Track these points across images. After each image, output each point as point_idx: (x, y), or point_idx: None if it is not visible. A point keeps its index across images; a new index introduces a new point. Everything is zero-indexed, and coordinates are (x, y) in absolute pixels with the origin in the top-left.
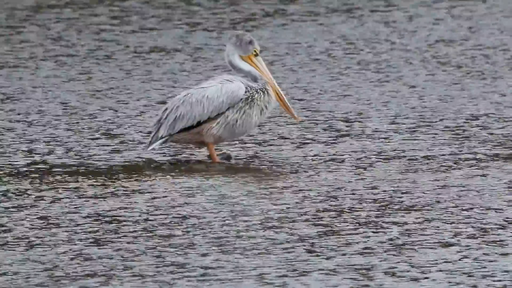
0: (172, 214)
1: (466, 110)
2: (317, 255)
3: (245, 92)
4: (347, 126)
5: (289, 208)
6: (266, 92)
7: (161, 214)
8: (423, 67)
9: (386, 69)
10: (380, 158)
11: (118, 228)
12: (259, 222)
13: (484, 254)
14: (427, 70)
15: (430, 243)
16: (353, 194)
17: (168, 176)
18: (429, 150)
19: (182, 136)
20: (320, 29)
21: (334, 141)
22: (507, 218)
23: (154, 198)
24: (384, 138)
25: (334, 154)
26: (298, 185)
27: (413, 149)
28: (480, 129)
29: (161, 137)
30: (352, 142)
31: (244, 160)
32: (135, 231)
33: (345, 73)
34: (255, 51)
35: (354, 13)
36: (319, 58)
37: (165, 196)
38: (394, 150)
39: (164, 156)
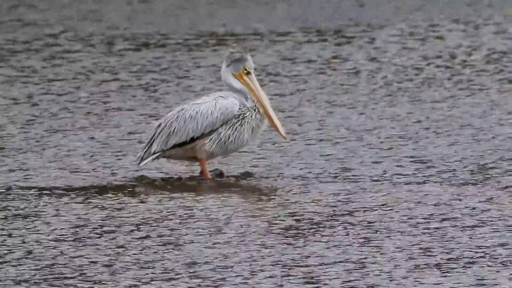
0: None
1: None
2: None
3: (239, 109)
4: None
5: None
6: (258, 111)
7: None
8: None
9: None
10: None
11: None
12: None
13: None
14: None
15: None
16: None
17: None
18: None
19: (175, 152)
20: None
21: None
22: None
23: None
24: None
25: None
26: (289, 203)
27: None
28: None
29: (154, 153)
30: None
31: (237, 176)
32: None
33: None
34: (245, 69)
35: None
36: None
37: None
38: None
39: (158, 172)
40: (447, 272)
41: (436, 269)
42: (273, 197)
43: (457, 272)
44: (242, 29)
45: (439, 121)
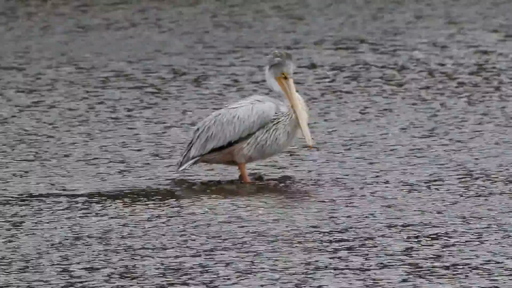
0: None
1: None
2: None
3: (275, 113)
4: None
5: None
6: (292, 116)
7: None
8: None
9: None
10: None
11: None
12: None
13: None
14: None
15: None
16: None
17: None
18: None
19: (213, 156)
20: None
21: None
22: None
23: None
24: None
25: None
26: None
27: None
28: None
29: (192, 157)
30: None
31: (276, 180)
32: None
33: None
34: (283, 74)
35: None
36: None
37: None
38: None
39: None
40: None
41: None
42: (312, 201)
43: None
44: None
45: None
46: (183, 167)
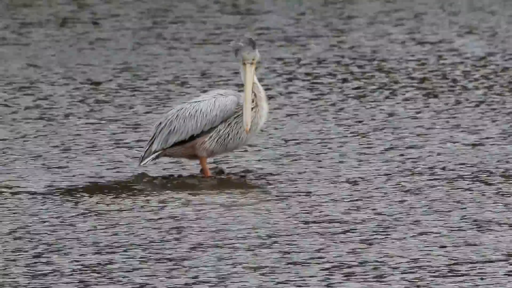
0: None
1: None
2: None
3: (236, 107)
4: None
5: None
6: (255, 108)
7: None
8: None
9: None
10: None
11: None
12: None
13: None
14: None
15: None
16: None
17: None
18: None
19: (175, 150)
20: None
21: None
22: None
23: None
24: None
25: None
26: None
27: None
28: None
29: (154, 152)
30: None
31: (237, 174)
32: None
33: None
34: (242, 59)
35: None
36: None
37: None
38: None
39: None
40: None
41: None
42: (273, 194)
43: None
44: None
45: None
46: (145, 162)
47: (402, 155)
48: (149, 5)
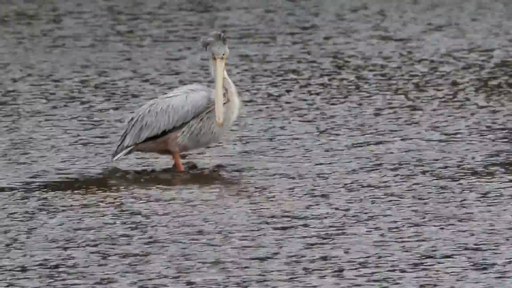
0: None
1: None
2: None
3: (208, 102)
4: None
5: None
6: (227, 103)
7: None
8: None
9: None
10: None
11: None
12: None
13: None
14: None
15: None
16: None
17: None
18: None
19: (148, 145)
20: None
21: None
22: None
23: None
24: None
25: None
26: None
27: None
28: None
29: (127, 147)
30: None
31: (209, 169)
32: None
33: None
34: (213, 54)
35: None
36: None
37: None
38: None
39: (129, 166)
40: None
41: None
42: (246, 189)
43: None
44: None
45: None
46: (117, 157)
47: (366, 151)
48: (111, 3)
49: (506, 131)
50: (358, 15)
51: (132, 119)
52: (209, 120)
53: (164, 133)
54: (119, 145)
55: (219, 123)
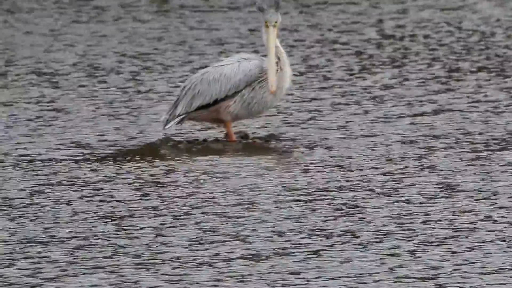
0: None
1: None
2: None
3: (260, 72)
4: None
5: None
6: (279, 72)
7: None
8: None
9: None
10: None
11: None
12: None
13: None
14: None
15: None
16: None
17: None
18: None
19: (200, 114)
20: None
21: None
22: None
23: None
24: None
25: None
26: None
27: None
28: None
29: (179, 115)
30: None
31: (262, 139)
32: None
33: None
34: (265, 22)
35: None
36: None
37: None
38: None
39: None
40: None
41: None
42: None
43: None
44: None
45: None
46: (169, 125)
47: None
48: None
49: None
50: None
51: (184, 87)
52: (261, 89)
53: (216, 102)
54: (170, 114)
55: (272, 91)
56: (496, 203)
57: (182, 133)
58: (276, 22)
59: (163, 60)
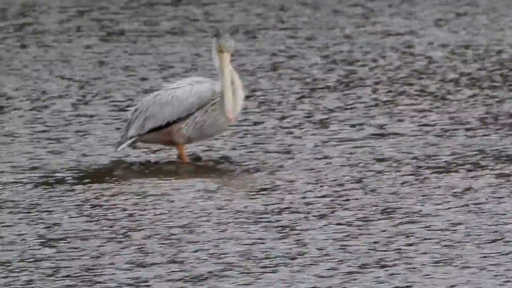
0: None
1: None
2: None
3: (213, 94)
4: None
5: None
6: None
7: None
8: None
9: None
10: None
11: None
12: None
13: None
14: None
15: None
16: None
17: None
18: None
19: (152, 136)
20: None
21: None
22: None
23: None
24: None
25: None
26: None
27: None
28: None
29: (131, 137)
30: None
31: (214, 161)
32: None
33: None
34: (219, 46)
35: None
36: None
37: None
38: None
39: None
40: None
41: None
42: (251, 180)
43: None
44: None
45: None
46: (121, 147)
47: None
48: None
49: None
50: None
51: (136, 110)
52: (214, 112)
53: (169, 124)
54: (123, 136)
55: (230, 117)
56: (432, 225)
57: (135, 155)
58: (230, 47)
59: (106, 85)
